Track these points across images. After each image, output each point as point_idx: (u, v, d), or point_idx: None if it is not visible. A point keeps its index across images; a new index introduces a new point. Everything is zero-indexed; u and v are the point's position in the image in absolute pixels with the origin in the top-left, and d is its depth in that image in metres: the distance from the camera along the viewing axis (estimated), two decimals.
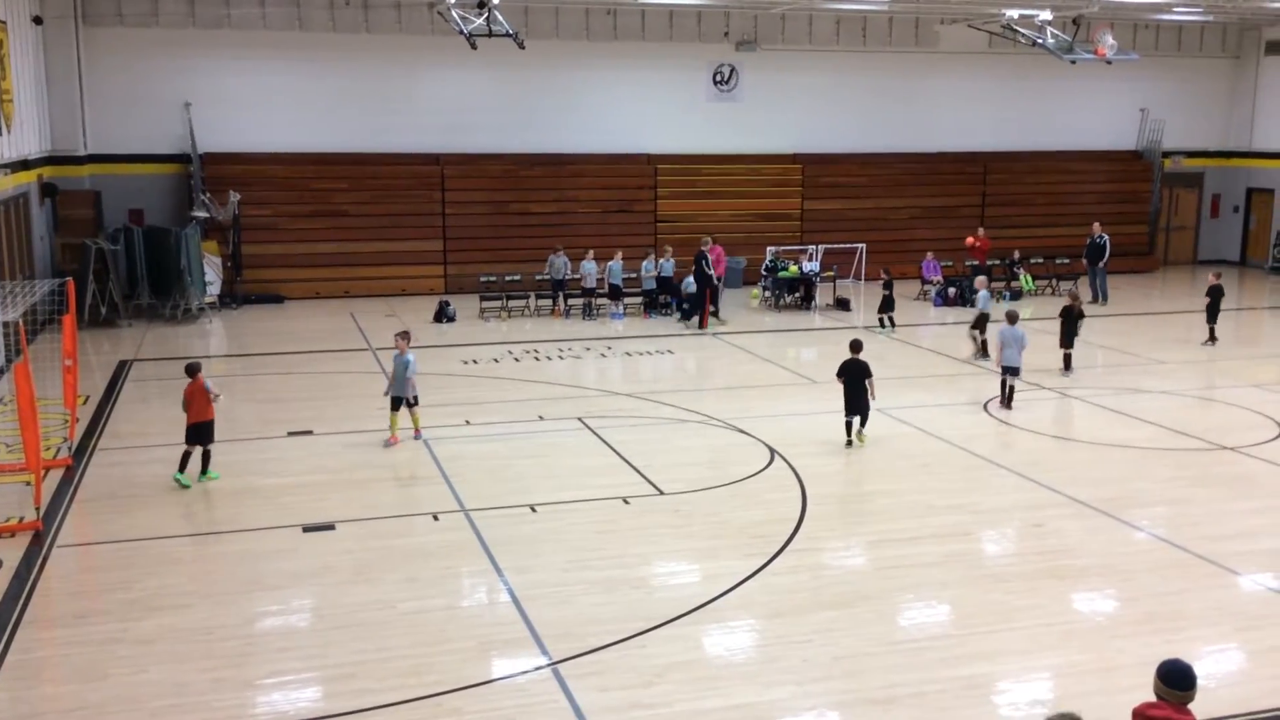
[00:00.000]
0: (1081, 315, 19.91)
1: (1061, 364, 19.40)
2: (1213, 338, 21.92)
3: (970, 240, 28.33)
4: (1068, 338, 19.46)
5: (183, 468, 13.38)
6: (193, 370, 13.74)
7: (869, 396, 14.95)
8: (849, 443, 15.02)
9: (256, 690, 8.57)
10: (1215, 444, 15.19)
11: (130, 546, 11.48)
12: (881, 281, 24.64)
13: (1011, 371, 17.06)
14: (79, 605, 10.19)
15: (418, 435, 15.19)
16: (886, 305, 23.70)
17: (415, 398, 15.10)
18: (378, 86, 27.88)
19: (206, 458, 13.59)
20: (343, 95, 27.69)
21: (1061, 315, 19.67)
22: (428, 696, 8.38)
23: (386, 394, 15.24)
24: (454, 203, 28.25)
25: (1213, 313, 21.93)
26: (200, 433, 13.46)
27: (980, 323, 20.56)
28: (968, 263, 29.20)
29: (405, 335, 15.29)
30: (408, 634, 9.44)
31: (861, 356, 15.02)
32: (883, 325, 23.56)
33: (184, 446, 13.42)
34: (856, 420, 15.03)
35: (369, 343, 22.00)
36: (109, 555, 11.36)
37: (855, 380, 14.94)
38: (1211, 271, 23.03)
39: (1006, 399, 17.07)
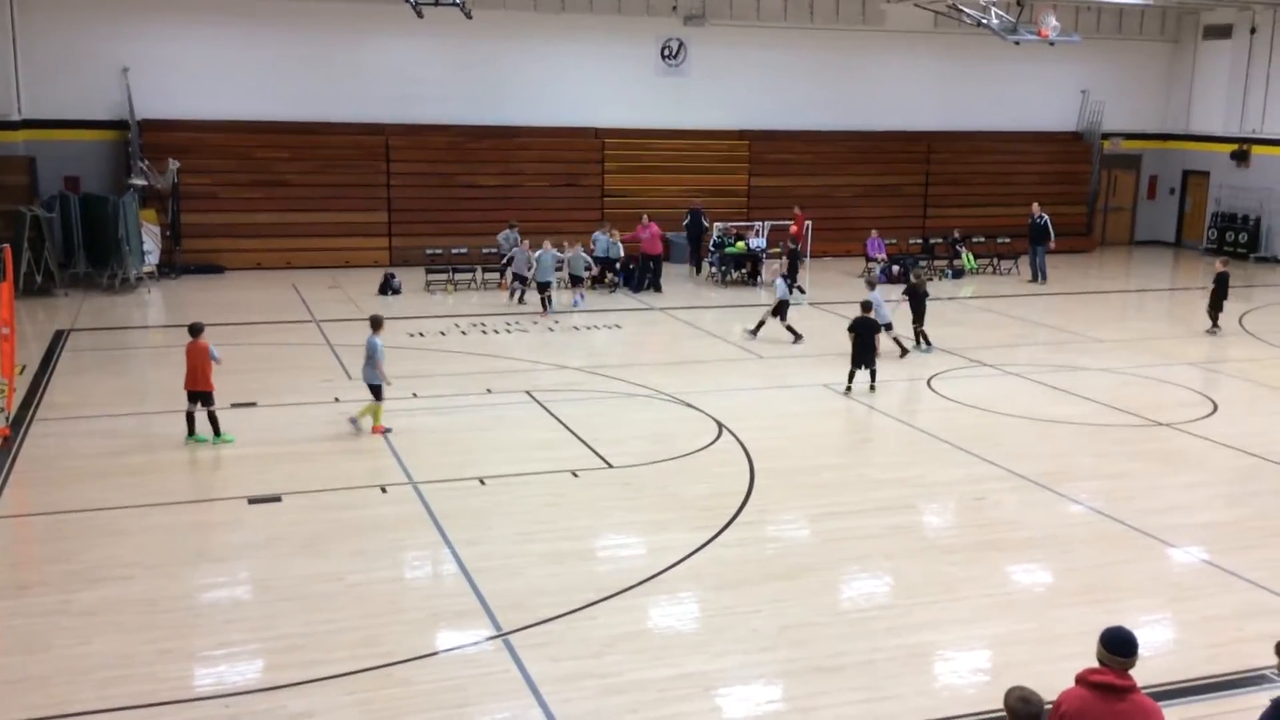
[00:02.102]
0: (926, 294, 19.75)
1: (918, 341, 19.43)
2: (1216, 325, 21.49)
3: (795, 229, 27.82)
4: (917, 316, 19.44)
5: (191, 430, 13.61)
6: (194, 330, 13.72)
7: (875, 353, 16.62)
8: (848, 390, 16.55)
9: (203, 661, 8.51)
10: (1151, 420, 15.53)
11: (70, 518, 11.31)
12: (785, 249, 25.48)
13: (888, 327, 18.71)
14: (19, 576, 10.04)
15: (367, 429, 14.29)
16: (791, 270, 24.40)
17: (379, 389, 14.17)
18: (321, 54, 27.45)
19: (212, 418, 13.57)
20: (285, 62, 27.23)
21: (907, 294, 19.71)
22: (378, 667, 8.38)
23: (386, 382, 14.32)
24: (399, 174, 27.97)
25: (1217, 301, 21.41)
26: (194, 398, 13.57)
27: (781, 309, 19.84)
28: (911, 241, 29.54)
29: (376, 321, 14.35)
30: (357, 605, 9.41)
31: (871, 315, 16.70)
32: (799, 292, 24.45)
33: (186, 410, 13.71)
34: (866, 375, 16.62)
35: (313, 314, 21.77)
36: (49, 527, 11.19)
37: (865, 335, 16.48)
38: (1218, 259, 22.58)
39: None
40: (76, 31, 25.74)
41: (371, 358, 13.99)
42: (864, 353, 16.54)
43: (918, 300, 19.54)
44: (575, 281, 23.68)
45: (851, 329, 16.66)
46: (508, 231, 25.18)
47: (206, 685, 8.18)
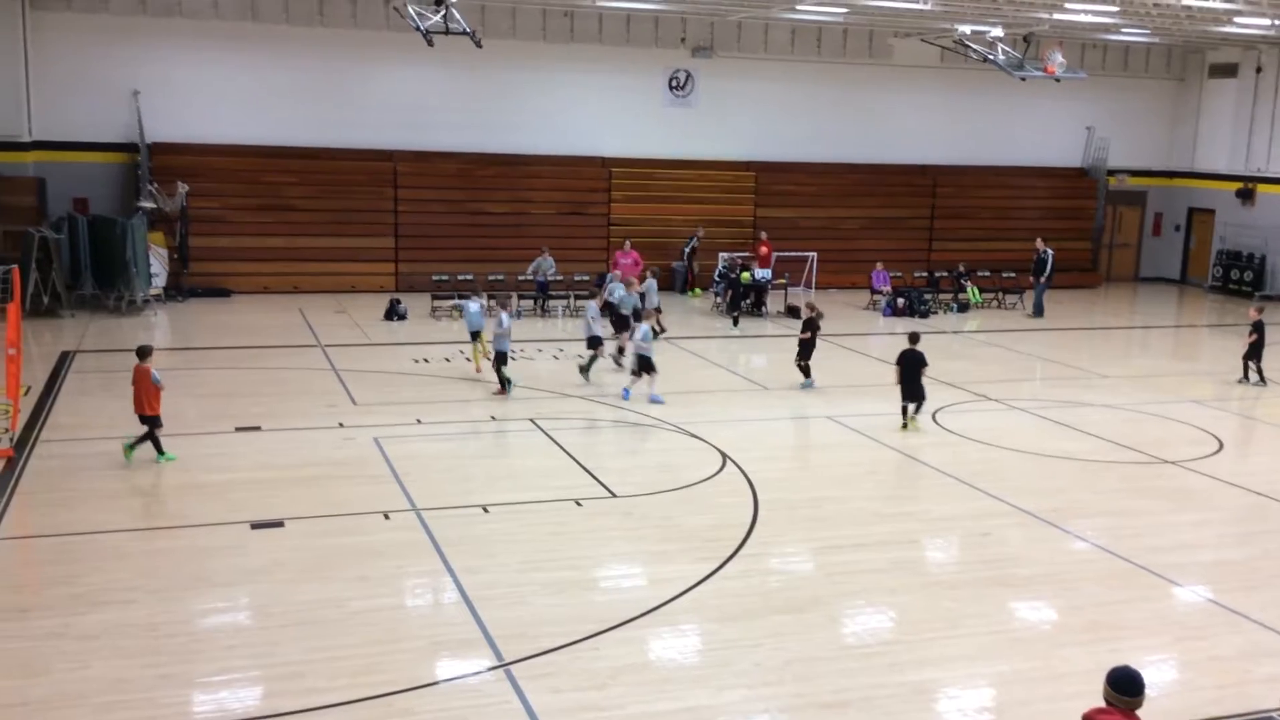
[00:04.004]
0: (819, 329, 18.84)
1: (803, 376, 18.80)
2: (1247, 377, 20.23)
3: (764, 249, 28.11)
4: (806, 350, 18.67)
5: (159, 449, 13.67)
6: (141, 354, 13.75)
7: (920, 385, 16.37)
8: (904, 426, 16.31)
9: (202, 688, 8.45)
10: (1156, 457, 15.48)
11: (73, 540, 11.28)
12: (726, 272, 25.97)
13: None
14: (20, 599, 9.99)
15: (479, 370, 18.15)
16: (734, 302, 25.39)
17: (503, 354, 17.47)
18: (331, 80, 27.64)
19: (142, 438, 13.62)
20: (295, 88, 27.40)
21: (806, 327, 18.71)
22: (378, 696, 8.32)
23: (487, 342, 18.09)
24: (407, 200, 28.08)
25: (1256, 350, 20.02)
26: (143, 420, 13.62)
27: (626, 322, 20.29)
28: (916, 274, 29.64)
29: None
30: (358, 633, 9.36)
31: (918, 348, 16.33)
32: (735, 323, 25.00)
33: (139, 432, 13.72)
34: (911, 406, 16.38)
35: (318, 339, 21.79)
36: (51, 549, 11.15)
37: (911, 369, 16.25)
38: (1253, 306, 21.19)
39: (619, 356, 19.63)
40: (88, 55, 25.93)
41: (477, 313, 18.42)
42: (911, 386, 16.33)
43: (813, 336, 18.65)
44: (641, 366, 17.60)
45: (898, 362, 16.52)
46: (540, 259, 25.51)
47: (206, 712, 8.13)
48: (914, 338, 16.72)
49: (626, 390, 17.65)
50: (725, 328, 24.92)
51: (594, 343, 18.73)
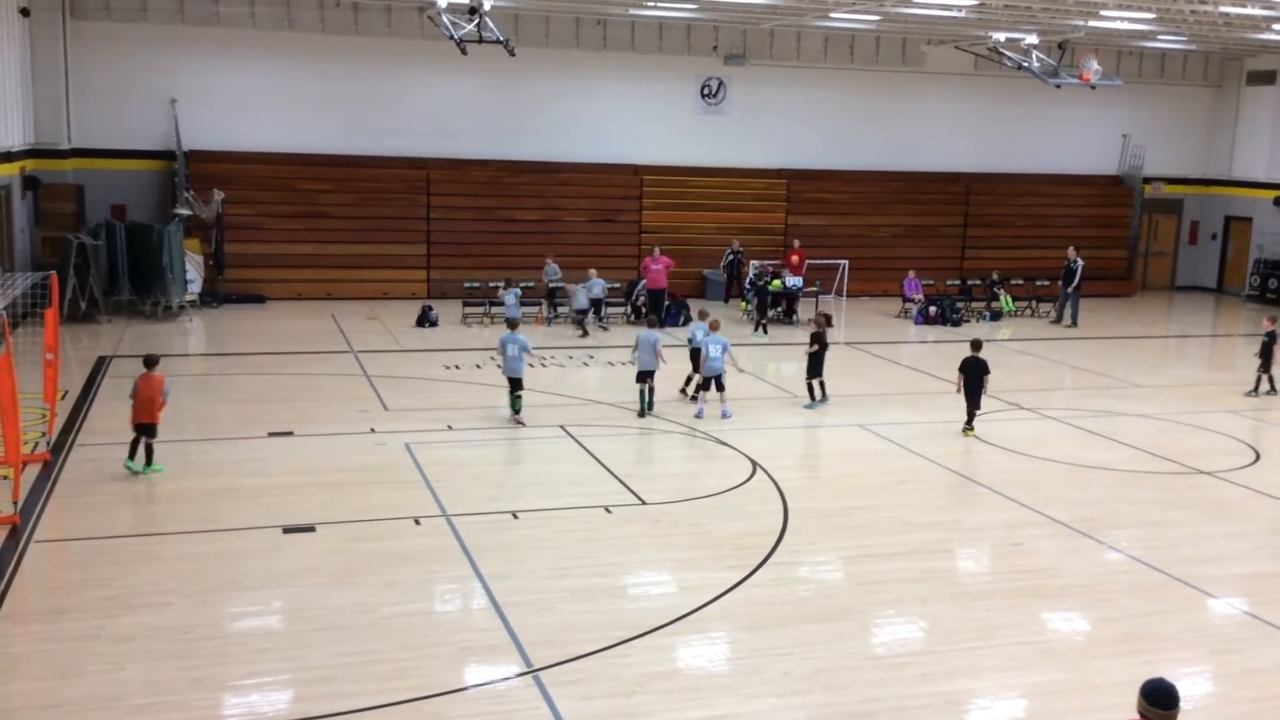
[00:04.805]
0: (827, 344, 17.96)
1: (817, 393, 17.98)
2: (1275, 389, 19.92)
3: (796, 258, 28.09)
4: (816, 365, 17.86)
5: (133, 454, 13.52)
6: (149, 363, 13.78)
7: (982, 393, 16.44)
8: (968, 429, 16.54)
9: (234, 691, 8.51)
10: (1191, 468, 15.32)
11: (108, 543, 11.40)
12: (756, 279, 25.93)
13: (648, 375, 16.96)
14: (55, 601, 10.11)
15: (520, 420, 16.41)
16: (761, 310, 25.35)
17: (520, 380, 16.47)
18: (366, 89, 27.84)
19: (149, 450, 13.56)
20: (330, 97, 27.63)
21: (814, 341, 17.87)
22: (408, 701, 8.35)
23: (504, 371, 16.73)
24: (439, 207, 28.23)
25: (1267, 359, 19.95)
26: (141, 430, 13.50)
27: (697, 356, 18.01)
28: (948, 282, 29.49)
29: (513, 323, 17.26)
30: (388, 638, 9.40)
31: (981, 355, 16.49)
32: (764, 331, 24.92)
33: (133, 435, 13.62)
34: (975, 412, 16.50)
35: (350, 345, 21.93)
36: (86, 551, 11.27)
37: (973, 376, 16.34)
38: (1266, 316, 20.77)
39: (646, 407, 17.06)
40: (126, 64, 26.24)
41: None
42: (972, 393, 16.36)
43: (821, 350, 17.82)
44: (708, 383, 17.27)
45: (961, 369, 16.52)
46: (547, 267, 25.63)
47: (237, 715, 8.19)
48: (976, 345, 16.76)
49: (726, 410, 17.00)
50: (756, 335, 24.87)
51: (649, 375, 17.05)
